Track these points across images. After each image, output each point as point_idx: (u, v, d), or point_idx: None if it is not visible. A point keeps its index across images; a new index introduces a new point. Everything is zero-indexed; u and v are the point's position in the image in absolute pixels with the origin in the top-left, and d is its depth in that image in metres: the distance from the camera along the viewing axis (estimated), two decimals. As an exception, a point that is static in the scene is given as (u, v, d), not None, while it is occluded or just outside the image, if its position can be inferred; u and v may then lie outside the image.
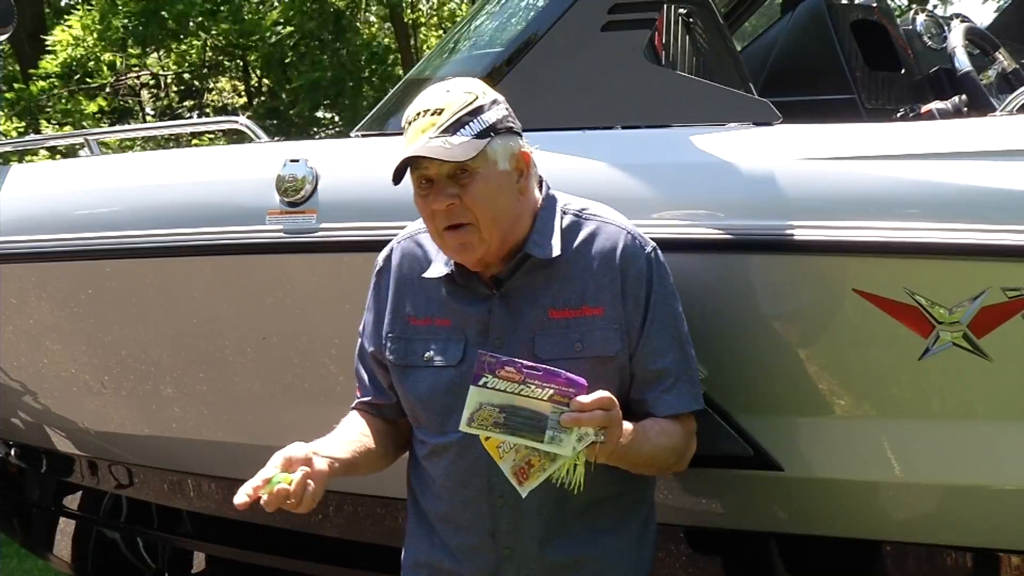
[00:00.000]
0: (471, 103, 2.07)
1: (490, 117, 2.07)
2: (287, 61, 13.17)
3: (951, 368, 2.34)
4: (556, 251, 2.13)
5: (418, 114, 2.07)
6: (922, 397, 2.45)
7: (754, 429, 2.52)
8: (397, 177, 2.10)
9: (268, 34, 12.80)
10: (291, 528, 3.37)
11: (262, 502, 1.95)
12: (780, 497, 2.64)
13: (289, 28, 12.80)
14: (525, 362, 1.91)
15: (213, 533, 3.68)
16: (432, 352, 2.18)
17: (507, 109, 2.12)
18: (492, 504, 2.14)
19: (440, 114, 2.05)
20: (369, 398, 2.31)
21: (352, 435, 2.22)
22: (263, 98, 14.52)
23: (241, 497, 1.95)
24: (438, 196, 2.06)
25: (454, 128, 2.03)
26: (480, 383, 1.91)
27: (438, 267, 2.20)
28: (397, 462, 2.33)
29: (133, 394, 3.38)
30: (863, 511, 2.59)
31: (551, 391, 1.89)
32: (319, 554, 3.40)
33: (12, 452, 4.06)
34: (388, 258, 2.30)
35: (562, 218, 2.18)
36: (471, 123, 2.05)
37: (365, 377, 2.31)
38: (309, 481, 1.96)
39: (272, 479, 1.95)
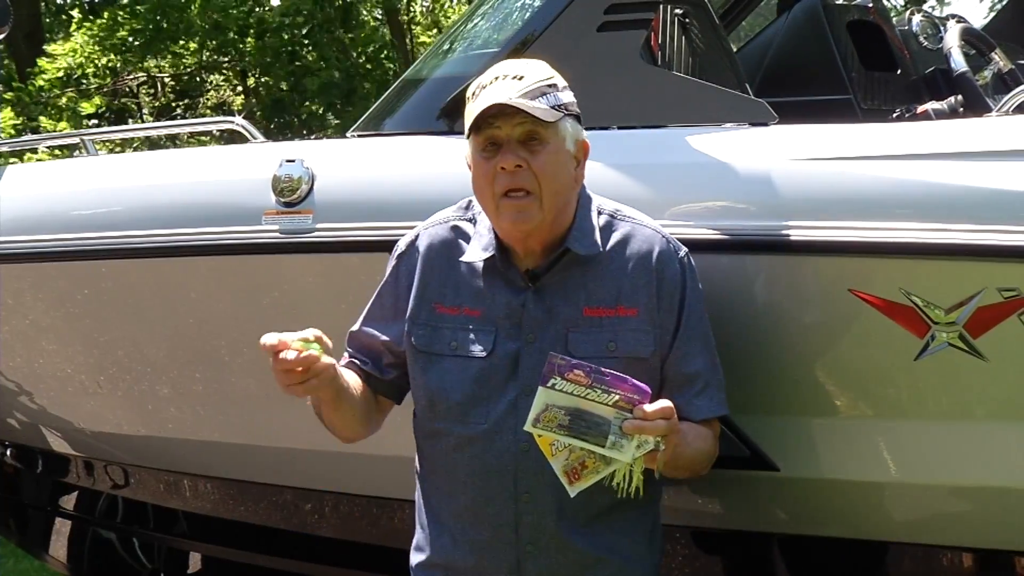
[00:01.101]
0: (550, 78, 2.11)
1: (564, 97, 2.12)
2: (292, 51, 13.16)
3: (947, 368, 2.34)
4: (598, 247, 2.15)
5: (495, 78, 2.08)
6: (918, 397, 2.45)
7: (750, 429, 2.52)
8: (470, 132, 2.09)
9: (273, 23, 12.81)
10: (287, 528, 3.37)
11: (284, 354, 1.96)
12: (777, 497, 2.64)
13: (298, 19, 12.80)
14: (593, 366, 1.92)
15: (209, 533, 3.68)
16: (460, 342, 2.17)
17: (574, 98, 2.15)
18: (517, 498, 2.13)
19: (521, 80, 2.07)
20: (358, 363, 2.28)
21: (353, 379, 2.21)
22: (262, 92, 14.49)
23: (272, 338, 1.96)
24: (506, 155, 2.06)
25: (534, 94, 2.06)
26: (549, 384, 1.92)
27: (476, 251, 2.19)
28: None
29: (129, 394, 3.37)
30: (859, 511, 2.59)
31: (617, 396, 1.91)
32: (315, 554, 3.40)
33: (8, 452, 4.06)
34: (412, 243, 2.28)
35: (598, 217, 2.20)
36: (550, 95, 2.08)
37: (359, 352, 2.28)
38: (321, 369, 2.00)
39: (309, 342, 1.97)
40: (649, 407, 1.91)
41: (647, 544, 2.25)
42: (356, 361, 2.28)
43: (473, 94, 2.09)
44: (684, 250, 2.20)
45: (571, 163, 2.13)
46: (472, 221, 2.24)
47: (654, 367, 2.14)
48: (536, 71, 2.10)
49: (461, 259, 2.19)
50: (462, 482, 2.17)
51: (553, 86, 2.09)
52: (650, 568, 2.26)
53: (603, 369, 1.92)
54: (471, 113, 2.07)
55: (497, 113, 2.04)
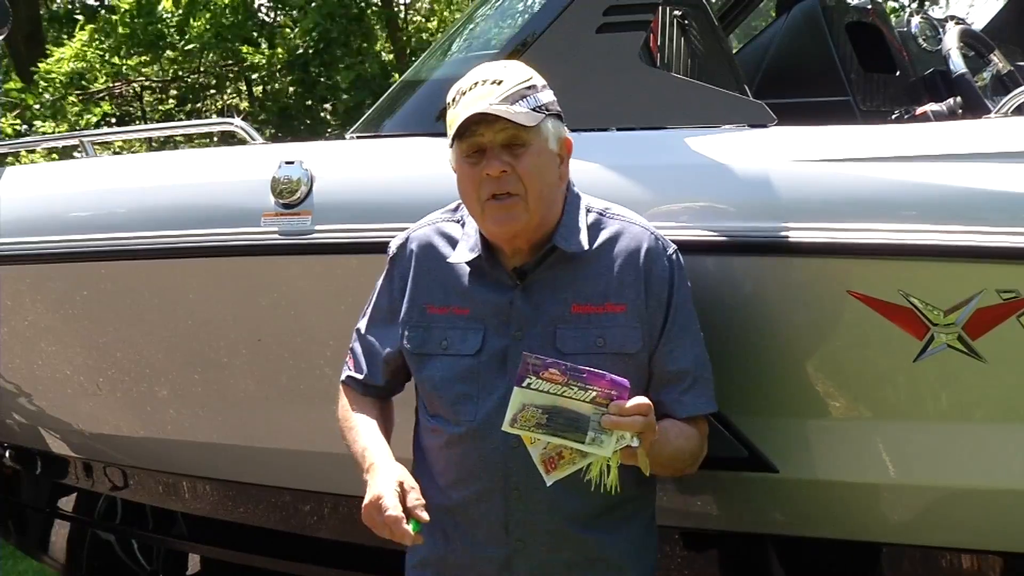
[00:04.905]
0: (528, 80, 2.11)
1: (544, 97, 2.12)
2: (311, 63, 13.17)
3: (946, 370, 2.34)
4: (585, 245, 2.15)
5: (474, 84, 2.09)
6: (917, 399, 2.45)
7: (749, 430, 2.52)
8: (454, 139, 2.11)
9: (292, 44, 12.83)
10: (286, 530, 3.37)
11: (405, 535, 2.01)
12: (775, 499, 2.64)
13: (314, 35, 12.81)
14: (569, 364, 1.93)
15: (208, 535, 3.68)
16: (450, 340, 2.19)
17: (554, 96, 2.16)
18: (507, 496, 2.15)
19: (500, 84, 2.08)
20: (360, 376, 2.33)
21: (380, 434, 2.24)
22: (269, 104, 14.46)
23: (410, 538, 2.01)
24: (491, 162, 2.07)
25: (514, 98, 2.06)
26: (524, 384, 1.92)
27: (463, 252, 2.20)
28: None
29: (128, 396, 3.37)
30: (858, 513, 2.59)
31: (594, 393, 1.92)
32: (314, 556, 3.40)
33: (7, 454, 4.06)
34: (403, 246, 2.30)
35: (587, 215, 2.21)
36: (529, 97, 2.09)
37: (361, 357, 2.33)
38: None
39: (411, 526, 2.01)
40: (626, 403, 1.91)
41: (641, 546, 2.25)
42: (358, 375, 2.33)
43: (454, 100, 2.11)
44: (673, 247, 2.21)
45: (555, 162, 2.14)
46: (460, 223, 2.26)
47: (642, 363, 2.15)
48: (515, 74, 2.11)
49: (448, 260, 2.21)
50: (454, 478, 2.19)
51: (532, 87, 2.10)
52: (644, 570, 2.26)
53: (579, 366, 1.93)
54: (453, 121, 2.09)
55: (479, 120, 2.05)
